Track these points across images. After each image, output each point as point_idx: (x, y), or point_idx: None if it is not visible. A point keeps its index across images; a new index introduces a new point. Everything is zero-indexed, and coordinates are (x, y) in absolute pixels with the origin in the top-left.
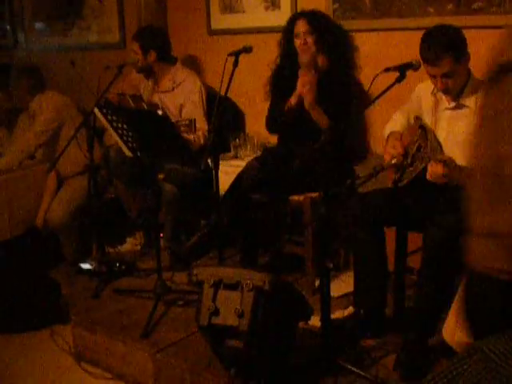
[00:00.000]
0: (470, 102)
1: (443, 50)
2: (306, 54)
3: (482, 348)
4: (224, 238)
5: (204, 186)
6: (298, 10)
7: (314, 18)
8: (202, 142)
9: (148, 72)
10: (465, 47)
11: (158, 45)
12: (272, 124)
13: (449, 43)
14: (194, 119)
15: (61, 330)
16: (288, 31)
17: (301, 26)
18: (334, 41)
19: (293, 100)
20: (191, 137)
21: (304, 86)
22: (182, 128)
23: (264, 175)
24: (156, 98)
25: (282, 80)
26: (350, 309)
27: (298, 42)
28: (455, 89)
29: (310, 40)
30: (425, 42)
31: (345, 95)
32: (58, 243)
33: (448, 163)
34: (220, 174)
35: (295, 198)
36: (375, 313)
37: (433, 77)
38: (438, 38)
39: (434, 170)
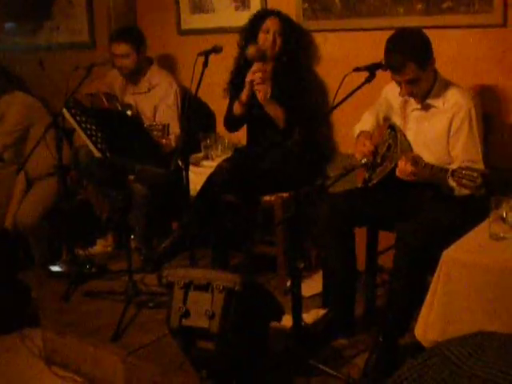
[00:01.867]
0: (438, 102)
1: (406, 57)
2: (272, 51)
3: (443, 350)
4: (195, 240)
5: (175, 187)
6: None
7: (285, 20)
8: (173, 145)
9: (135, 74)
10: (429, 53)
11: (143, 43)
12: (227, 121)
13: (412, 51)
14: (168, 124)
15: (31, 334)
16: (254, 27)
17: (273, 24)
18: (297, 45)
19: (244, 94)
20: (163, 141)
21: (254, 76)
22: (155, 132)
23: (234, 176)
24: (130, 100)
25: (241, 78)
26: (322, 310)
27: (265, 38)
28: (420, 92)
29: (278, 40)
30: (388, 48)
31: (303, 98)
32: (27, 245)
33: (416, 161)
34: (190, 174)
35: (266, 198)
36: (344, 312)
37: (397, 82)
38: (400, 45)
39: (402, 168)
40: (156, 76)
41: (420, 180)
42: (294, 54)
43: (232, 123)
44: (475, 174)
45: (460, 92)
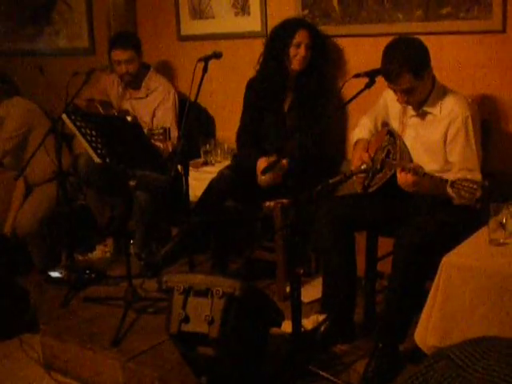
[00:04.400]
0: (434, 110)
1: (402, 68)
2: (300, 66)
3: (449, 354)
4: (195, 245)
5: (175, 193)
6: (268, 16)
7: (315, 32)
8: (170, 149)
9: (134, 79)
10: (426, 63)
11: (141, 48)
12: (240, 139)
13: (408, 61)
14: (169, 128)
15: (30, 339)
16: (285, 37)
17: (303, 38)
18: (323, 58)
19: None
20: (160, 145)
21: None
22: (156, 137)
23: (236, 183)
24: (127, 105)
25: (260, 87)
26: (321, 316)
27: (296, 52)
28: (416, 100)
29: (308, 54)
30: (385, 57)
31: (323, 107)
32: (26, 251)
33: (417, 171)
34: (190, 180)
35: (266, 203)
36: (343, 317)
37: (393, 90)
38: (397, 55)
39: (403, 179)
40: (154, 81)
41: (421, 191)
42: (321, 66)
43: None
44: (475, 186)
45: (457, 100)
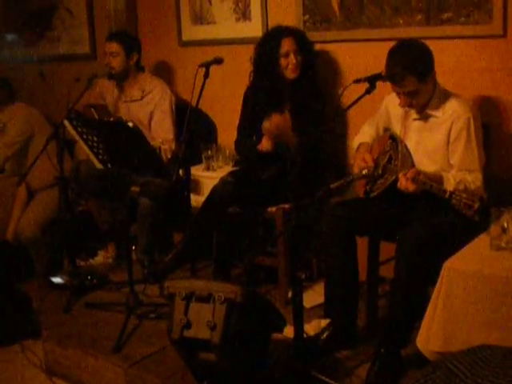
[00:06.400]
0: (437, 112)
1: (406, 70)
2: (295, 73)
3: (447, 364)
4: (198, 251)
5: (178, 199)
6: (269, 22)
7: (300, 37)
8: (168, 156)
9: (122, 78)
10: (430, 66)
11: (139, 48)
12: (242, 154)
13: (413, 64)
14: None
15: (32, 345)
16: (271, 49)
17: (290, 45)
18: (312, 60)
19: (265, 146)
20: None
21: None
22: None
23: (239, 190)
24: (124, 108)
25: (256, 100)
26: (324, 320)
27: (287, 62)
28: (419, 103)
29: (298, 60)
30: (389, 59)
31: (318, 112)
32: (28, 257)
33: (416, 179)
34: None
35: (268, 209)
36: (346, 322)
37: (397, 93)
38: (402, 58)
39: (402, 186)
40: (149, 83)
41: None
42: (313, 68)
43: (245, 156)
44: (474, 199)
45: (458, 102)
